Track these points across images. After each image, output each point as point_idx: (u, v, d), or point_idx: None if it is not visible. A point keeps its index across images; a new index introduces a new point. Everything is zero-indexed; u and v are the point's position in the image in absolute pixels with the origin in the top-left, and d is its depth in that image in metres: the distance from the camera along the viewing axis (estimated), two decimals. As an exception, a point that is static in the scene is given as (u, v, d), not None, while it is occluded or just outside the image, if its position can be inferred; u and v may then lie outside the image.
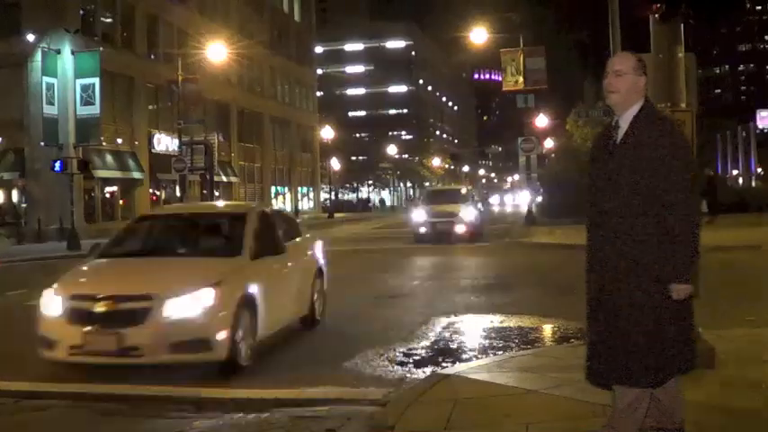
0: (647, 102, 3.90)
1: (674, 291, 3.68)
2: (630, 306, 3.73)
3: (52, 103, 30.07)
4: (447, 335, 8.24)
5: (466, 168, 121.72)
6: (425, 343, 7.87)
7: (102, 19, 38.11)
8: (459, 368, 6.46)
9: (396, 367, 6.84)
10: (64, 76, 31.20)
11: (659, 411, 3.95)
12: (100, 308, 6.33)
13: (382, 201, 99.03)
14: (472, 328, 8.60)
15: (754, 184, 57.77)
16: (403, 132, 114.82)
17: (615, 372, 3.80)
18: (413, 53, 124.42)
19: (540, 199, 39.51)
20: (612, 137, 3.91)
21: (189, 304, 6.37)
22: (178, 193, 32.00)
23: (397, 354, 7.32)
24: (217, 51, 37.04)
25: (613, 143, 3.88)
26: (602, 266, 3.83)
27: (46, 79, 30.09)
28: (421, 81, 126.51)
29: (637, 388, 3.78)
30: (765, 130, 74.56)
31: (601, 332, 3.84)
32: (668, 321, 3.73)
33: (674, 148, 3.71)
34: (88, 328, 6.30)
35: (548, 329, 8.39)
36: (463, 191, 27.60)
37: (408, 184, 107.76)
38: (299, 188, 65.69)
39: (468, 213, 23.05)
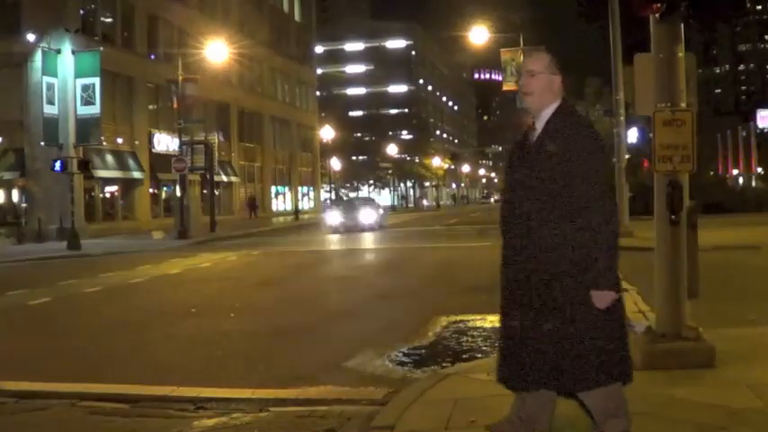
0: (564, 101, 3.76)
1: (596, 298, 3.51)
2: (553, 310, 3.57)
3: (52, 103, 30.06)
4: (447, 335, 8.24)
5: (466, 168, 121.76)
6: (425, 342, 7.87)
7: (102, 19, 38.12)
8: (459, 368, 6.46)
9: (396, 367, 6.84)
10: (64, 75, 31.19)
11: (520, 419, 3.79)
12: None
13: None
14: (472, 328, 8.59)
15: (754, 183, 57.78)
16: (403, 132, 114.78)
17: (530, 374, 3.65)
18: (413, 53, 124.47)
19: None
20: (529, 138, 3.78)
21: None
22: (178, 193, 31.98)
23: (398, 354, 7.32)
24: (217, 51, 37.04)
25: (529, 145, 3.74)
26: (518, 275, 3.68)
27: (46, 79, 30.08)
28: (421, 81, 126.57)
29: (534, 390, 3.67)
30: (765, 130, 74.56)
31: (521, 334, 3.67)
32: (592, 329, 3.56)
33: (589, 150, 3.55)
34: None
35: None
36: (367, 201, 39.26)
37: (409, 184, 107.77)
38: (300, 188, 65.67)
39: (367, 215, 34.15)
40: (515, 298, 3.70)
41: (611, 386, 3.69)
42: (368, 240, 26.67)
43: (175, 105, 32.37)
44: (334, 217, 33.82)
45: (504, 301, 3.77)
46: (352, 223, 32.58)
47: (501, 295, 3.80)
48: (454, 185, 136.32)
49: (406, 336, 8.00)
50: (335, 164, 69.70)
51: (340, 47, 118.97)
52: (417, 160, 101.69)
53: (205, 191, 39.00)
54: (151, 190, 42.08)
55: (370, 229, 33.04)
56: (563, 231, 3.53)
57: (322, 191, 73.48)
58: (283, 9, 65.60)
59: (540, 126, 3.73)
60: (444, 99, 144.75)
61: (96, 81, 30.16)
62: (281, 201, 62.96)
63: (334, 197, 69.49)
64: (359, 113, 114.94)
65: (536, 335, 3.61)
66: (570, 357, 3.57)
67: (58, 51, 31.11)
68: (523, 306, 3.66)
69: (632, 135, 33.81)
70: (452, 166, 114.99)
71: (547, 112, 3.72)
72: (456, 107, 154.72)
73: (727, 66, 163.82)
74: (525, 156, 3.72)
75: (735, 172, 65.14)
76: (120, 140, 38.59)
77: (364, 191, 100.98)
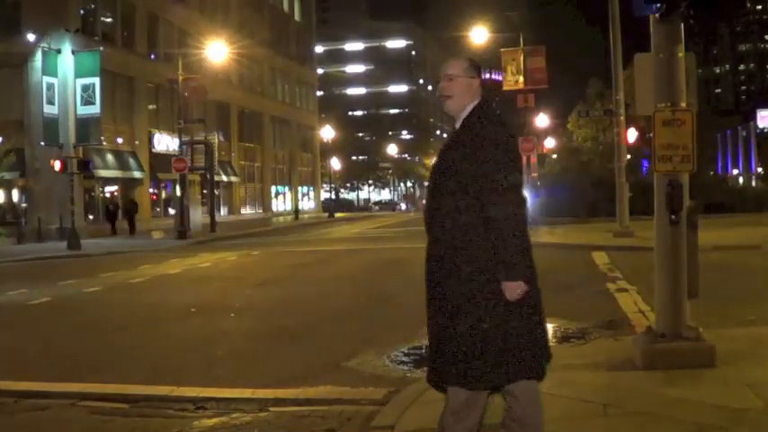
0: (481, 101, 3.82)
1: (507, 290, 3.53)
2: (467, 304, 3.57)
3: (52, 103, 30.05)
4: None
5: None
6: (426, 342, 7.85)
7: (102, 19, 38.13)
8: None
9: (396, 367, 6.84)
10: (64, 75, 31.19)
11: (515, 423, 3.76)
12: None
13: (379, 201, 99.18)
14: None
15: (754, 183, 57.81)
16: (403, 132, 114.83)
17: (452, 372, 3.63)
18: (413, 53, 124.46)
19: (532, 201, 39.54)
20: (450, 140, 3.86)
21: None
22: (178, 193, 31.99)
23: (398, 354, 7.32)
24: (217, 51, 37.05)
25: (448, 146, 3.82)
26: (439, 265, 3.69)
27: (46, 79, 30.08)
28: (421, 80, 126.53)
29: (468, 389, 3.64)
30: (765, 130, 74.58)
31: (440, 330, 3.68)
32: (507, 322, 3.56)
33: (497, 142, 3.61)
34: None
35: (548, 329, 8.38)
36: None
37: (409, 184, 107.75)
38: (300, 188, 65.69)
39: None
40: (435, 295, 3.71)
41: (527, 382, 3.69)
42: (368, 240, 26.65)
43: (185, 94, 32.03)
44: None
45: (427, 299, 3.78)
46: None
47: (426, 291, 3.80)
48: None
49: (406, 336, 8.01)
50: (335, 164, 69.69)
51: (340, 47, 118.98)
52: (417, 160, 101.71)
53: (205, 191, 39.02)
54: (151, 190, 42.10)
55: None
56: (474, 225, 3.57)
57: (322, 191, 73.48)
58: (283, 9, 65.60)
59: (458, 127, 3.82)
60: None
61: (96, 81, 30.15)
62: (281, 201, 62.98)
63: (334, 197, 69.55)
64: (359, 113, 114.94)
65: (453, 333, 3.62)
66: (486, 354, 3.56)
67: (58, 51, 31.10)
68: (442, 303, 3.67)
69: (632, 135, 33.79)
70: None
71: (465, 113, 3.80)
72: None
73: (727, 66, 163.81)
74: (444, 155, 3.78)
75: (735, 172, 65.20)
76: (120, 140, 38.60)
77: (364, 191, 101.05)
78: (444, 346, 3.66)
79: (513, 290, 3.53)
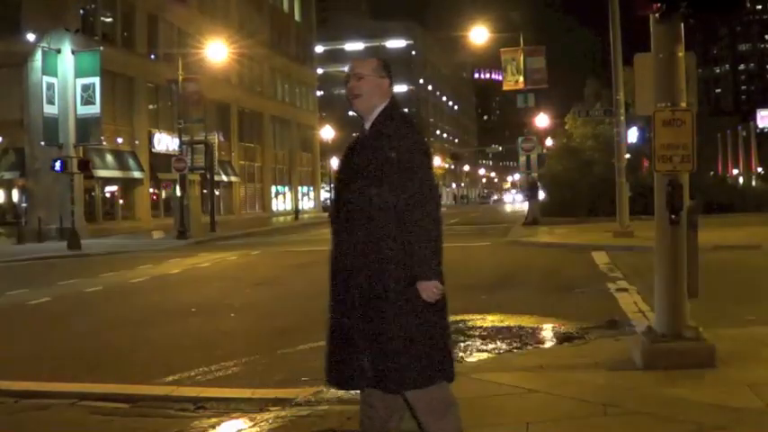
0: (390, 102, 3.78)
1: (422, 290, 3.47)
2: (374, 308, 3.53)
3: (52, 103, 30.06)
4: (447, 334, 8.24)
5: (466, 168, 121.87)
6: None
7: (102, 18, 38.11)
8: (459, 368, 6.45)
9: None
10: (64, 75, 31.18)
11: (375, 422, 3.74)
12: None
13: None
14: (472, 328, 8.59)
15: (754, 183, 57.79)
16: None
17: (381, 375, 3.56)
18: (413, 53, 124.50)
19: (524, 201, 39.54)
20: (359, 141, 3.81)
21: None
22: (178, 193, 31.98)
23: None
24: (217, 51, 37.04)
25: (357, 146, 3.78)
26: (342, 271, 3.68)
27: (46, 79, 30.08)
28: (421, 80, 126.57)
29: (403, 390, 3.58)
30: (765, 130, 74.57)
31: (358, 331, 3.62)
32: (412, 327, 3.50)
33: (408, 144, 3.56)
34: None
35: (548, 329, 8.37)
36: None
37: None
38: (300, 187, 65.67)
39: None
40: (340, 295, 3.69)
41: (435, 386, 3.61)
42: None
43: (184, 96, 31.90)
44: None
45: (330, 299, 3.75)
46: None
47: (329, 292, 3.78)
48: (454, 185, 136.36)
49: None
50: (335, 164, 69.60)
51: (340, 47, 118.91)
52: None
53: (205, 191, 39.02)
54: (151, 190, 42.09)
55: None
56: (384, 226, 3.53)
57: (322, 191, 73.48)
58: (283, 9, 65.58)
59: (368, 127, 3.77)
60: (444, 99, 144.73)
61: (96, 81, 30.16)
62: (280, 200, 62.97)
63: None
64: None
65: (359, 334, 3.58)
66: (391, 357, 3.52)
67: (58, 51, 31.10)
68: (348, 304, 3.64)
69: (632, 135, 33.79)
70: (452, 166, 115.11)
71: (374, 114, 3.75)
72: (456, 107, 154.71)
73: (727, 66, 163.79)
74: (352, 156, 3.74)
75: (735, 172, 65.21)
76: (120, 140, 38.59)
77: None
78: (348, 348, 3.62)
79: (429, 289, 3.48)
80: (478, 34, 39.32)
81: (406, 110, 4.17)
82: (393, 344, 3.52)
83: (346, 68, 4.03)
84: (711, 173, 56.32)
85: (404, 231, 3.50)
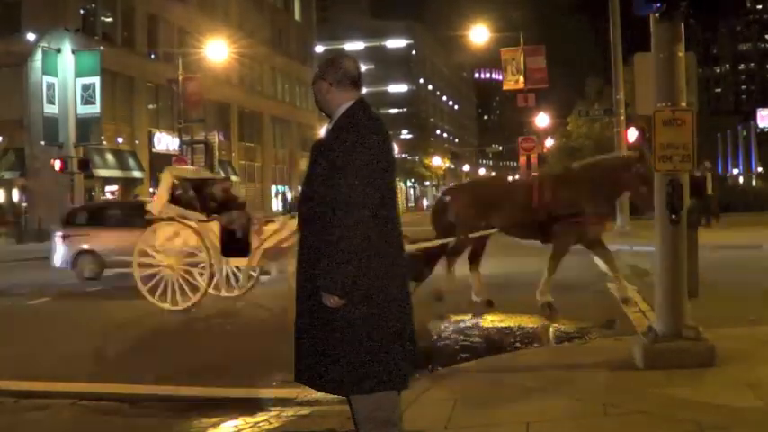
0: (355, 103, 3.75)
1: (324, 297, 3.43)
2: (317, 311, 3.54)
3: (53, 103, 30.09)
4: (447, 334, 8.24)
5: (466, 167, 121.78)
6: (425, 342, 7.85)
7: (102, 18, 38.12)
8: (459, 367, 6.46)
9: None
10: (64, 75, 31.20)
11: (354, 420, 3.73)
12: None
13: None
14: (472, 327, 8.59)
15: (754, 183, 57.81)
16: (403, 132, 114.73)
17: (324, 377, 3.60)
18: (413, 52, 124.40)
19: None
20: (318, 142, 3.82)
21: None
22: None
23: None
24: (217, 50, 37.04)
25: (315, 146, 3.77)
26: (299, 273, 3.67)
27: (46, 78, 30.11)
28: (421, 80, 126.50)
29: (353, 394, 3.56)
30: (765, 130, 74.61)
31: (311, 334, 3.67)
32: (350, 333, 3.47)
33: (351, 143, 3.46)
34: None
35: (548, 329, 8.38)
36: None
37: (409, 184, 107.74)
38: (300, 187, 65.63)
39: None
40: (297, 296, 3.70)
41: (379, 394, 3.54)
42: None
43: (184, 96, 31.89)
44: None
45: (296, 299, 3.76)
46: None
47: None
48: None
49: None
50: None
51: (340, 46, 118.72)
52: (418, 159, 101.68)
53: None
54: (151, 189, 42.06)
55: None
56: (319, 229, 3.47)
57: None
58: (283, 8, 65.58)
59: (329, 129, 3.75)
60: (444, 98, 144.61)
61: (96, 80, 30.20)
62: (281, 200, 62.95)
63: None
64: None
65: (307, 335, 3.64)
66: (329, 360, 3.53)
67: (58, 51, 31.12)
68: (301, 305, 3.68)
69: (632, 135, 33.76)
70: (452, 166, 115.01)
71: (336, 115, 3.74)
72: (456, 107, 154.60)
73: (727, 66, 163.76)
74: (312, 158, 3.71)
75: (735, 171, 65.22)
76: (120, 140, 38.58)
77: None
78: (301, 348, 3.74)
79: (327, 301, 3.42)
80: (479, 34, 39.32)
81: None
82: (330, 347, 3.52)
83: None
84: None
85: (325, 243, 3.39)
